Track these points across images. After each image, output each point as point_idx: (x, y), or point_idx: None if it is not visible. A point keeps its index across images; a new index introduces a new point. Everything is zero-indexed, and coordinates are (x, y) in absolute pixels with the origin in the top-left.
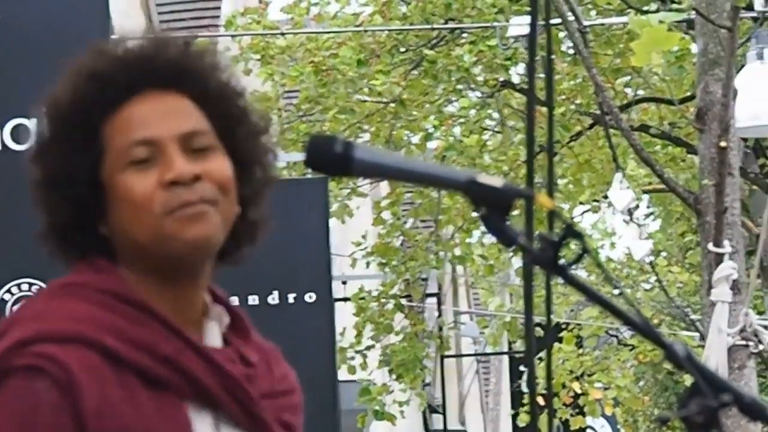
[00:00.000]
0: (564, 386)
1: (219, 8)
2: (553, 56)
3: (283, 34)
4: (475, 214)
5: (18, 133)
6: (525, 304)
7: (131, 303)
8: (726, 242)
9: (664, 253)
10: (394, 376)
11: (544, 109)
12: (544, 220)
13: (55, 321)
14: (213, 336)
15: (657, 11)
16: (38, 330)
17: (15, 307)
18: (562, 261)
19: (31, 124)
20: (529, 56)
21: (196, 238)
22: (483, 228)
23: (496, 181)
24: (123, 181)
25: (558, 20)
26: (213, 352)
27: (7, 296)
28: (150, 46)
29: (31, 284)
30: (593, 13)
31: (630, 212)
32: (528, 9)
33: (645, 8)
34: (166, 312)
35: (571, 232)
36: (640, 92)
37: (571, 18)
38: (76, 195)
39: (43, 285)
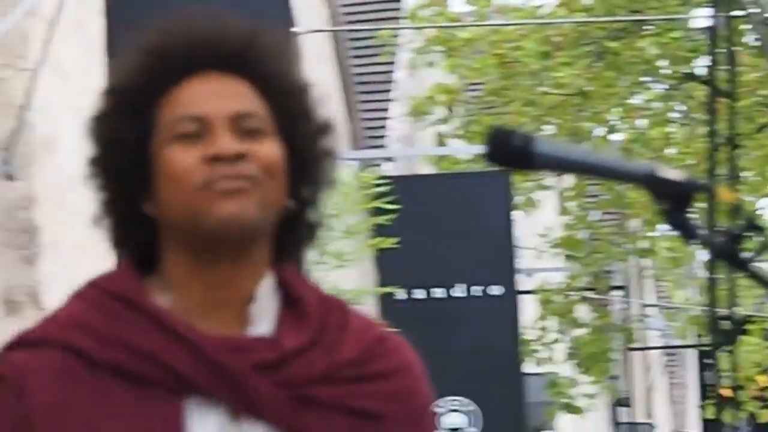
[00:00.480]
0: (750, 379)
1: (400, 0)
2: (737, 48)
3: (466, 26)
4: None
5: None
6: (708, 297)
7: (121, 299)
8: None
9: None
10: (581, 369)
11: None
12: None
13: (39, 325)
14: (260, 323)
15: None
16: (19, 336)
17: None
18: (743, 254)
19: None
20: (710, 48)
21: (230, 214)
22: None
23: (677, 175)
24: (167, 154)
25: (742, 12)
26: (211, 342)
27: None
28: (215, 27)
29: None
30: None
31: None
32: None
33: None
34: (196, 298)
35: (753, 225)
36: None
37: (755, 10)
38: (125, 168)
39: None
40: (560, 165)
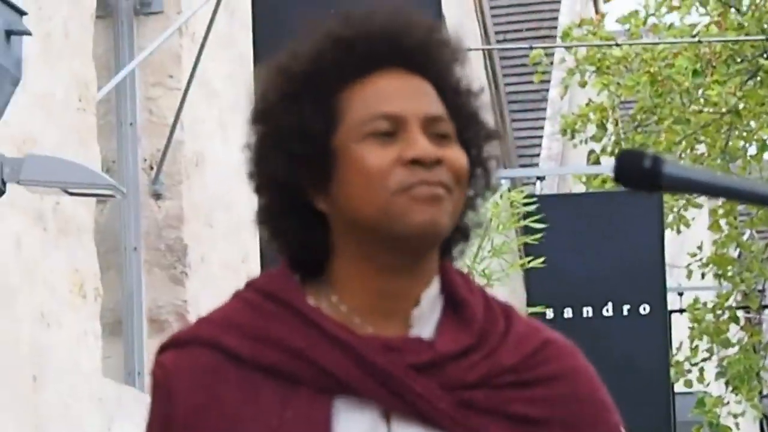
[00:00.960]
0: None
1: (556, 18)
2: None
3: (618, 45)
4: None
5: None
6: None
7: (275, 299)
8: None
9: None
10: (730, 388)
11: None
12: None
13: (193, 325)
14: (423, 327)
15: None
16: (173, 336)
17: None
18: None
19: None
20: None
21: (426, 221)
22: None
23: None
24: (359, 151)
25: None
26: (367, 342)
27: None
28: (399, 23)
29: None
30: None
31: None
32: None
33: None
34: (364, 303)
35: None
36: None
37: None
38: (305, 157)
39: None
40: (690, 187)
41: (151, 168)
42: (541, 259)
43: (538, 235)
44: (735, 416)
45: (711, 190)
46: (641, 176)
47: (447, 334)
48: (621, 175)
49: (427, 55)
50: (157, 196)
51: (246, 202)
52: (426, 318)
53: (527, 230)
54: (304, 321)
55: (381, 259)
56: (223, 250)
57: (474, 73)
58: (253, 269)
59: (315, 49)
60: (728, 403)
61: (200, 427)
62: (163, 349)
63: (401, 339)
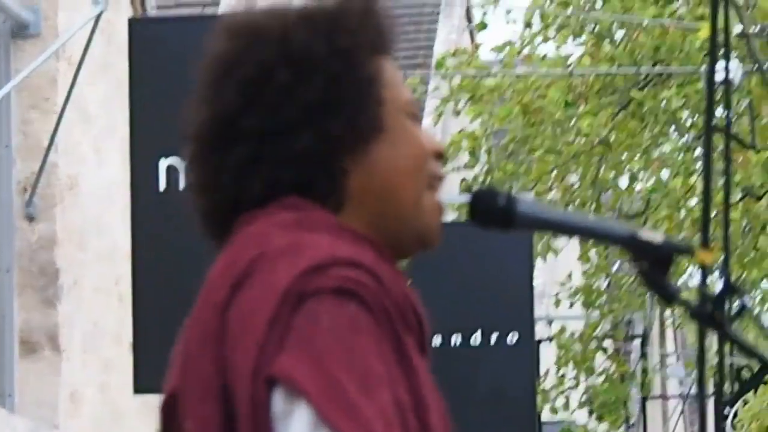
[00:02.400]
0: None
1: (432, 47)
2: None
3: (491, 75)
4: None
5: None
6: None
7: (364, 240)
8: None
9: None
10: (596, 417)
11: (750, 153)
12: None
13: (337, 251)
14: None
15: None
16: (329, 256)
17: None
18: (722, 317)
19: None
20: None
21: (438, 237)
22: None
23: (657, 237)
24: (410, 127)
25: (757, 65)
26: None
27: None
28: (378, 7)
29: None
30: None
31: None
32: (736, 54)
33: None
34: None
35: (731, 287)
36: None
37: None
38: (353, 107)
39: None
40: (543, 225)
41: (25, 190)
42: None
43: (408, 262)
44: None
45: (564, 229)
46: (495, 215)
47: None
48: (475, 214)
49: (395, 47)
50: (31, 218)
51: (119, 225)
52: None
53: None
54: (394, 268)
55: (389, 241)
56: (95, 274)
57: None
58: (126, 292)
59: (341, 12)
60: None
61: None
62: (328, 266)
63: None
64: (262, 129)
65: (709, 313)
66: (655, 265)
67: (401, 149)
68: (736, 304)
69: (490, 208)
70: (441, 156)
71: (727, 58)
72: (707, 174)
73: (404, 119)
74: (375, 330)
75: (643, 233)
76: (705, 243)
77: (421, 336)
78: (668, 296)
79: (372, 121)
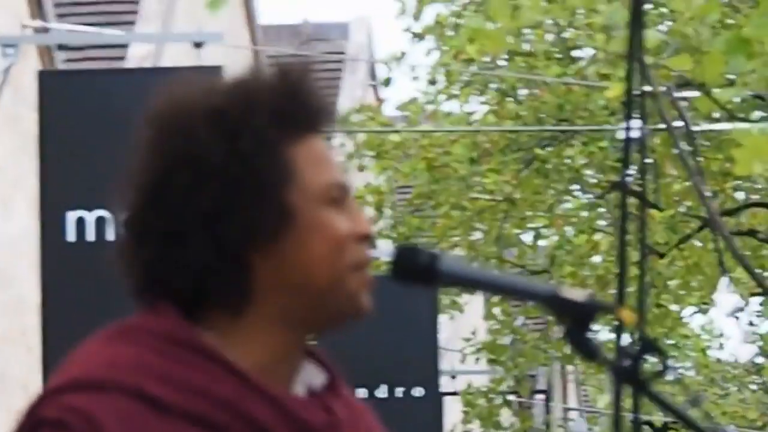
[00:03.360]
0: None
1: (336, 102)
2: (666, 158)
3: (397, 131)
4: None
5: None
6: (613, 415)
7: (185, 345)
8: None
9: None
10: None
11: (654, 212)
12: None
13: (93, 367)
14: (300, 386)
15: (760, 120)
16: (73, 378)
17: None
18: (643, 376)
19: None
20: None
21: (368, 308)
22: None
23: (579, 295)
24: (323, 216)
25: (665, 125)
26: (289, 399)
27: None
28: (315, 86)
29: None
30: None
31: (736, 316)
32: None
33: (752, 114)
34: (268, 361)
35: (651, 347)
36: (754, 196)
37: (678, 124)
38: (255, 206)
39: None
40: (465, 283)
41: None
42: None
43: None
44: None
45: (486, 286)
46: (417, 273)
47: (336, 399)
48: (397, 271)
49: (328, 116)
50: None
51: (27, 276)
52: (302, 378)
53: None
54: (227, 371)
55: (307, 325)
56: (3, 323)
57: None
58: (34, 342)
59: (258, 94)
60: None
61: None
62: (63, 390)
63: (316, 398)
64: (164, 231)
65: (631, 371)
66: (576, 322)
67: (314, 240)
68: (656, 361)
69: (412, 266)
70: (367, 238)
71: (643, 117)
72: (623, 233)
73: (319, 207)
74: None
75: (564, 291)
76: (621, 301)
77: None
78: (590, 354)
79: (275, 219)
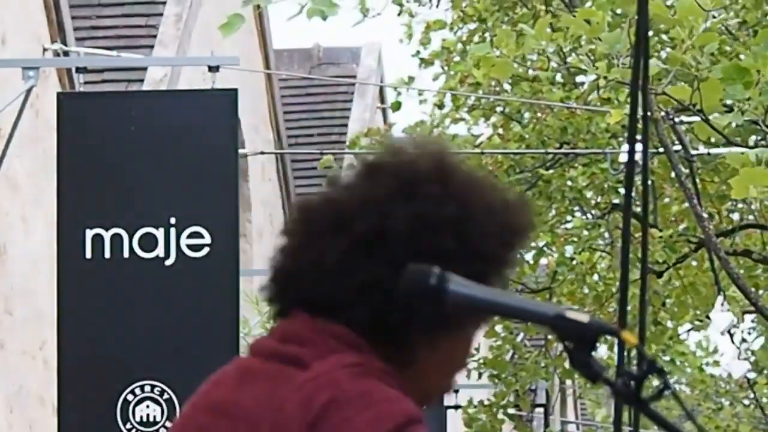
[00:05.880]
0: None
1: (346, 125)
2: (665, 181)
3: None
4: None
5: (146, 242)
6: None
7: (396, 384)
8: None
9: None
10: None
11: (653, 231)
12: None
13: (406, 402)
14: None
15: (755, 146)
16: (405, 414)
17: (138, 407)
18: (644, 395)
19: (160, 233)
20: (628, 180)
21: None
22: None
23: (583, 317)
24: (470, 338)
25: (663, 149)
26: None
27: (130, 397)
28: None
29: (153, 386)
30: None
31: (730, 333)
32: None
33: (749, 138)
34: None
35: (653, 368)
36: (749, 217)
37: (678, 147)
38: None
39: (163, 386)
40: (473, 304)
41: None
42: None
43: None
44: None
45: (493, 307)
46: (426, 293)
47: None
48: (406, 291)
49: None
50: None
51: (45, 291)
52: None
53: None
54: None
55: (422, 402)
56: (21, 338)
57: None
58: (50, 357)
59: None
60: None
61: None
62: (413, 422)
63: None
64: (390, 260)
65: (632, 392)
66: (580, 344)
67: (459, 351)
68: (657, 383)
69: (421, 287)
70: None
71: (645, 141)
72: (625, 254)
73: (475, 326)
74: None
75: (569, 313)
76: (622, 320)
77: None
78: (593, 374)
79: (450, 324)
